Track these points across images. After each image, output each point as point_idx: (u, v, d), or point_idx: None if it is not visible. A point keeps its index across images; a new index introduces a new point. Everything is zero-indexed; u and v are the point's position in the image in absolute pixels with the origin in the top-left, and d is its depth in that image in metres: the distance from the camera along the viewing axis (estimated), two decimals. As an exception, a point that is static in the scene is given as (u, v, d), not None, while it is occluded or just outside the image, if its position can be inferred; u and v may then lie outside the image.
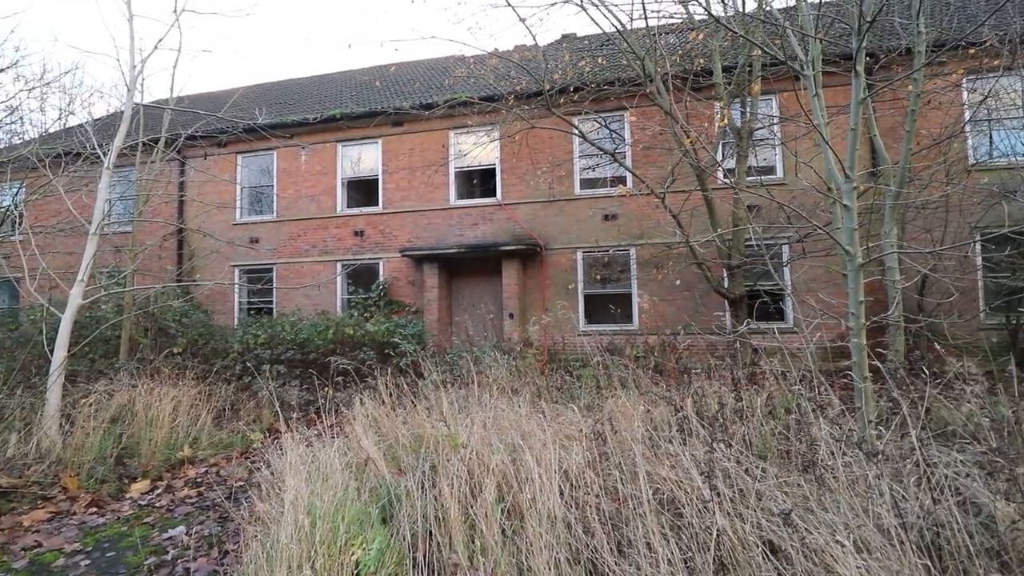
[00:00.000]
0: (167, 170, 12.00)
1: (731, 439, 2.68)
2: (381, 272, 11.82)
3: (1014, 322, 7.47)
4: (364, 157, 12.42)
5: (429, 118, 11.04)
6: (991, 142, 8.89)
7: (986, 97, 7.23)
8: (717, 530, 2.09)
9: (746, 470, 2.38)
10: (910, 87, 6.20)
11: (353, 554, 2.73)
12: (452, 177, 11.68)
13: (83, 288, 6.57)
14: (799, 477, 2.31)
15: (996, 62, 7.11)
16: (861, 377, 2.79)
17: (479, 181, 12.57)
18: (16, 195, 13.15)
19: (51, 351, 6.23)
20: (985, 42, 7.15)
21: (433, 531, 2.82)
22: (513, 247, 10.41)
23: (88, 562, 3.58)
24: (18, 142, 12.83)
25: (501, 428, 3.68)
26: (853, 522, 1.97)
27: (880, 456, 2.26)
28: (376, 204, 12.12)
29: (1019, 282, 6.82)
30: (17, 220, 12.73)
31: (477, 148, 11.12)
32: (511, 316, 10.47)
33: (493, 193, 11.54)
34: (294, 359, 7.62)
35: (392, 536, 2.92)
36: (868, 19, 3.45)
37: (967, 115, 8.35)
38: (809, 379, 3.08)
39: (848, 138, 3.67)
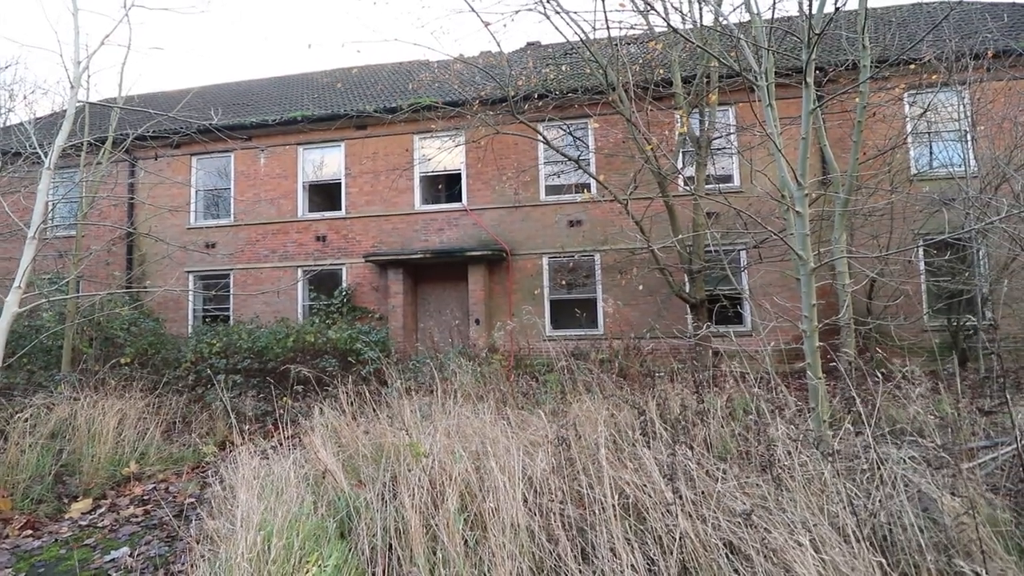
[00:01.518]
0: (115, 171, 11.42)
1: (693, 441, 2.70)
2: (344, 278, 11.56)
3: (955, 324, 7.92)
4: (326, 161, 12.15)
5: (393, 122, 10.89)
6: (931, 153, 9.44)
7: (926, 110, 7.68)
8: (680, 533, 2.09)
9: (707, 472, 2.41)
10: (857, 99, 6.51)
11: (308, 572, 2.61)
12: (417, 182, 11.56)
13: (20, 295, 6.13)
14: (758, 477, 2.35)
15: (934, 78, 7.56)
16: (815, 377, 2.87)
17: (444, 186, 12.48)
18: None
19: (-19, 364, 5.79)
20: (924, 59, 7.60)
21: (394, 544, 2.74)
22: (479, 253, 10.37)
23: (19, 591, 3.32)
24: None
25: (465, 436, 3.62)
26: (810, 521, 2.01)
27: (836, 455, 2.32)
28: (339, 208, 11.86)
29: (959, 285, 7.24)
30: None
31: (442, 153, 11.04)
32: (477, 322, 10.41)
33: (459, 198, 11.47)
34: (251, 368, 7.32)
35: (350, 551, 2.82)
36: (817, 32, 3.60)
37: (909, 127, 8.84)
38: (767, 380, 3.16)
39: (799, 147, 3.80)
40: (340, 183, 11.90)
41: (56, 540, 3.99)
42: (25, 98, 18.99)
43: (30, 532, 4.13)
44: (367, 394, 5.19)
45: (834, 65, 8.62)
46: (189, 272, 12.10)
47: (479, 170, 11.21)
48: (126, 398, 5.96)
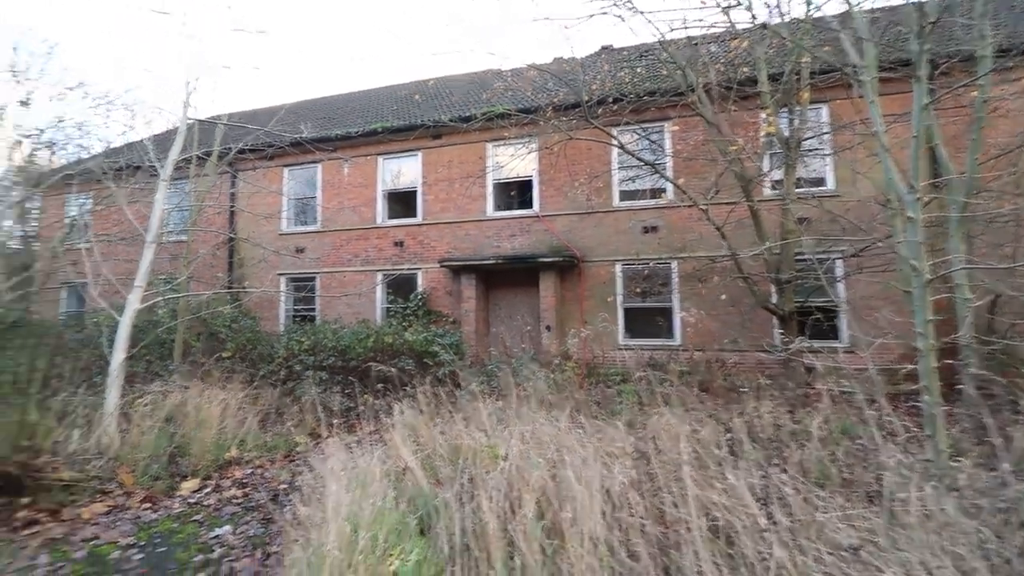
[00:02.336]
0: (219, 182, 12.60)
1: (786, 464, 2.52)
2: (420, 282, 11.98)
3: (1098, 345, 6.83)
4: (404, 170, 12.68)
5: (467, 131, 11.17)
6: (1068, 151, 8.24)
7: (1062, 103, 6.73)
8: (775, 562, 1.96)
9: (805, 498, 2.24)
10: (975, 94, 5.84)
11: (391, 564, 2.72)
12: (490, 189, 11.77)
13: (141, 293, 6.95)
14: (865, 509, 2.15)
15: (1073, 65, 6.61)
16: (933, 402, 2.58)
17: (517, 193, 12.61)
18: (83, 206, 14.14)
19: (110, 353, 6.59)
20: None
21: (471, 545, 2.78)
22: (550, 259, 10.36)
23: (141, 556, 3.71)
24: (86, 156, 13.84)
25: (540, 442, 3.62)
26: (931, 562, 1.80)
27: (963, 490, 2.07)
28: (415, 215, 12.33)
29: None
30: (84, 229, 13.70)
31: (515, 160, 11.17)
32: (548, 328, 10.38)
33: (530, 205, 11.55)
34: (336, 366, 7.77)
35: (430, 548, 2.90)
36: (931, 20, 3.28)
37: (1040, 122, 7.80)
38: (874, 402, 2.88)
39: (911, 146, 3.47)
40: (417, 191, 12.37)
41: (169, 515, 4.43)
42: (144, 117, 21.44)
43: (148, 505, 4.61)
44: (442, 395, 5.34)
45: (945, 56, 7.79)
46: (281, 275, 13.06)
47: (551, 176, 11.23)
48: (228, 389, 6.52)
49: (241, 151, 10.38)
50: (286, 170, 13.47)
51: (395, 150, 12.59)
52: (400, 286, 12.24)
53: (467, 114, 11.45)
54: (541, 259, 10.39)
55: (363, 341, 8.24)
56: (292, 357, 8.17)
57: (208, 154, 10.34)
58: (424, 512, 3.21)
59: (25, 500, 4.39)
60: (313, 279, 12.93)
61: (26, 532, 4.05)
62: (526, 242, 11.24)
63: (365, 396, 6.34)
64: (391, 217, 12.68)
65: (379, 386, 6.36)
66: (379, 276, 12.37)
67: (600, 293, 10.54)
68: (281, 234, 13.26)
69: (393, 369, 6.29)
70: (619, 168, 10.79)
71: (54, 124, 14.41)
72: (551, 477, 3.02)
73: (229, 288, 11.89)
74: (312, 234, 13.10)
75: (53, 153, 14.34)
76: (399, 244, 12.27)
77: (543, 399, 4.86)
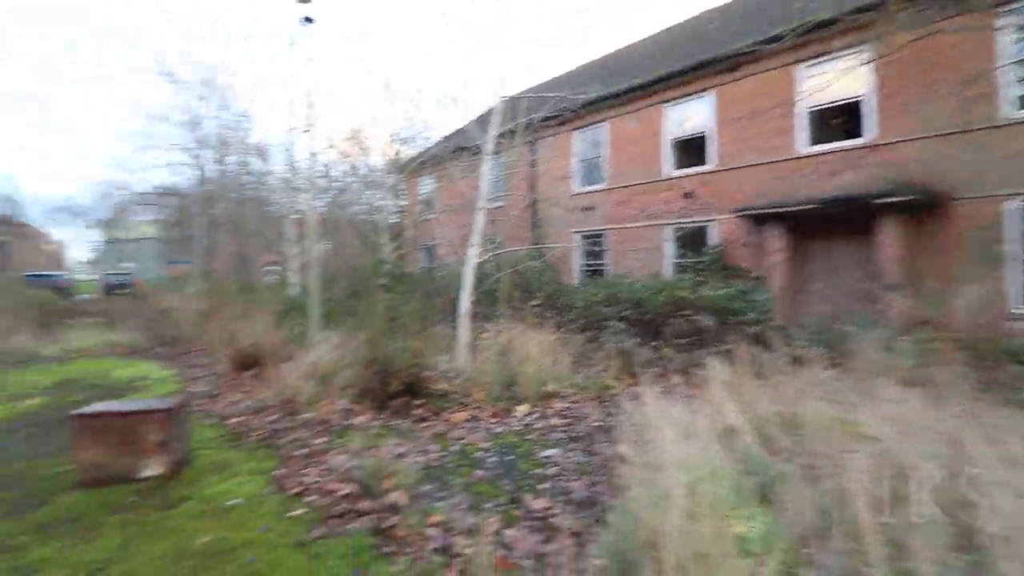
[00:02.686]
0: (523, 152, 14.21)
1: None
2: (712, 235, 11.17)
3: None
4: (692, 114, 11.79)
5: (773, 54, 9.51)
6: None
7: None
8: None
9: None
10: None
11: (733, 527, 2.59)
12: (801, 120, 9.89)
13: (477, 250, 8.49)
14: None
15: None
16: None
17: (840, 121, 10.27)
18: (431, 185, 18.12)
19: (459, 298, 8.30)
20: None
21: (833, 532, 2.42)
22: (894, 199, 8.10)
23: (494, 459, 4.57)
24: (429, 145, 17.60)
25: (915, 427, 2.88)
26: None
27: None
28: (706, 163, 11.40)
29: None
30: (432, 203, 17.64)
31: (839, 80, 9.00)
32: (893, 288, 8.24)
33: (858, 133, 9.25)
34: (631, 318, 7.98)
35: (773, 520, 2.66)
36: None
37: None
38: None
39: None
40: (707, 135, 11.38)
41: (509, 430, 5.33)
42: (466, 104, 25.82)
43: (494, 420, 5.66)
44: (756, 356, 4.86)
45: None
46: (575, 232, 14.11)
47: (894, 91, 8.69)
48: (541, 332, 7.44)
49: (544, 119, 11.37)
50: (575, 133, 14.22)
51: (681, 95, 11.80)
52: (688, 239, 11.69)
53: (773, 33, 9.74)
54: (879, 199, 8.24)
55: (656, 295, 8.19)
56: (588, 307, 8.77)
57: (515, 128, 11.70)
58: (760, 479, 2.96)
59: (418, 402, 5.97)
60: (602, 235, 13.53)
61: (420, 425, 5.49)
62: (855, 179, 9.11)
63: (665, 348, 6.31)
64: (679, 167, 12.07)
65: (680, 340, 6.23)
66: (667, 230, 12.05)
67: (977, 241, 7.78)
68: (573, 195, 14.21)
69: (708, 321, 6.04)
70: (1014, 63, 7.56)
71: (407, 124, 18.81)
72: (947, 475, 2.36)
73: (535, 245, 13.52)
74: (600, 192, 13.62)
75: (408, 146, 18.78)
76: (688, 195, 11.63)
77: (904, 375, 3.88)
